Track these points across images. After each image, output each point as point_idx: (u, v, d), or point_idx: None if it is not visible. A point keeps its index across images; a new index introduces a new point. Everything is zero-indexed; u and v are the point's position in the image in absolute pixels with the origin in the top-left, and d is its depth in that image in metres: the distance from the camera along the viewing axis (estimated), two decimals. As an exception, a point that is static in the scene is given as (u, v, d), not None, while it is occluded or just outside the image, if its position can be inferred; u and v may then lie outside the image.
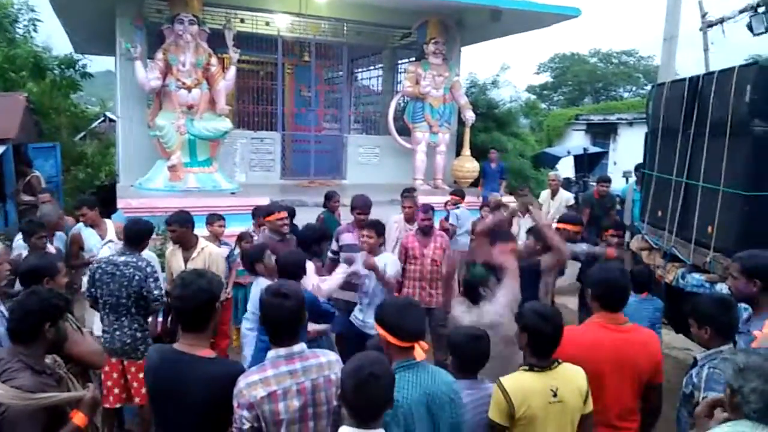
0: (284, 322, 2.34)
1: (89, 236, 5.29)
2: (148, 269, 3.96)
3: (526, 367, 2.54)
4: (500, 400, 2.46)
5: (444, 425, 2.31)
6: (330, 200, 6.43)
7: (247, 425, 2.19)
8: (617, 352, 2.75)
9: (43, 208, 6.04)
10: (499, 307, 3.48)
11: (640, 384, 2.81)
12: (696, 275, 4.90)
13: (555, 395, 2.46)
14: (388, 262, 4.60)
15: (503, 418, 2.46)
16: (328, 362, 2.38)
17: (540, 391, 2.46)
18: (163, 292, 4.07)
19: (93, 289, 4.00)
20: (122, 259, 3.96)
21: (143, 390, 3.95)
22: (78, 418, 2.32)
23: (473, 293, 3.59)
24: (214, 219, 5.70)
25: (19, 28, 13.90)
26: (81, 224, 5.45)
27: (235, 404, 2.21)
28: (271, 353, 2.32)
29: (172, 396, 2.30)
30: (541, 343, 2.54)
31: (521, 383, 2.48)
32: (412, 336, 2.34)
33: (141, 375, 3.95)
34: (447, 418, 2.32)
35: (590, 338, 2.80)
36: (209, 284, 2.38)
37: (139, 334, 3.98)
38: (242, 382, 2.22)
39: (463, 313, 3.53)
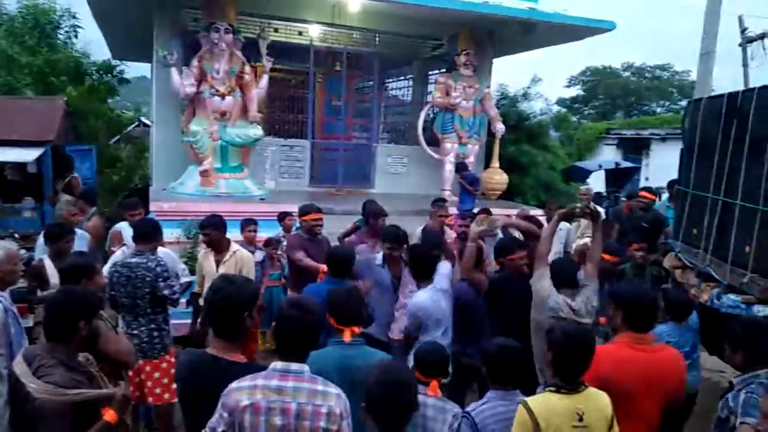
0: (296, 337, 2.25)
1: (130, 236, 5.36)
2: (158, 269, 3.96)
3: (553, 388, 2.45)
4: (526, 421, 2.38)
5: (359, 391, 2.24)
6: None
7: (221, 428, 2.10)
8: (647, 371, 2.69)
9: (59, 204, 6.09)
10: (592, 308, 3.40)
11: (666, 404, 2.75)
12: (732, 296, 4.75)
13: (581, 419, 2.37)
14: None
15: None
16: (324, 392, 2.17)
17: (566, 414, 2.38)
18: (177, 290, 4.09)
19: (113, 292, 3.99)
20: (134, 260, 3.99)
21: (156, 390, 4.00)
22: (109, 415, 2.36)
23: (566, 281, 3.46)
24: (246, 224, 5.83)
25: (60, 34, 14.36)
26: (125, 223, 5.52)
27: (219, 403, 2.13)
28: (272, 364, 2.23)
29: (209, 398, 2.25)
30: (568, 364, 2.44)
31: (548, 405, 2.41)
32: (344, 322, 2.82)
33: (156, 375, 4.01)
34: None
35: (619, 357, 2.72)
36: (238, 291, 2.35)
37: (155, 334, 4.02)
38: (235, 383, 2.15)
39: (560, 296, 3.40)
